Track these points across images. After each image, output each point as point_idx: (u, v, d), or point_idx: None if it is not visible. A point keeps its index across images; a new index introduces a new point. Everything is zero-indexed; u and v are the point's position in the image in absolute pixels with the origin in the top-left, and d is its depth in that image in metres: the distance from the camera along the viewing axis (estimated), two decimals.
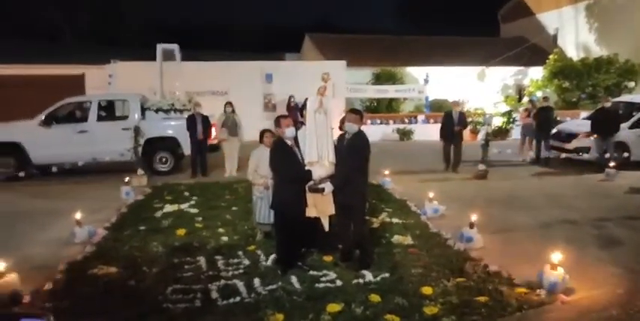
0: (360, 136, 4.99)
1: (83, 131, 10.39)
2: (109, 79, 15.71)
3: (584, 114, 15.52)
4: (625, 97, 13.63)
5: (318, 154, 5.01)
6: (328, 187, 4.90)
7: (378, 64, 19.88)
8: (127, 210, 7.57)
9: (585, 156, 11.11)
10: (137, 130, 10.19)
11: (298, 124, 5.76)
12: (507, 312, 4.11)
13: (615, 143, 10.63)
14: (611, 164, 9.96)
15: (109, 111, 11.35)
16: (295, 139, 5.13)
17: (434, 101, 19.12)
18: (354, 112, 5.10)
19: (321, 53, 20.79)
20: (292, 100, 15.53)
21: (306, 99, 15.47)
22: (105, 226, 6.59)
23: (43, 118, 10.32)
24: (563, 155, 11.62)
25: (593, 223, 6.78)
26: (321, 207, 5.07)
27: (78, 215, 6.19)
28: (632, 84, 17.55)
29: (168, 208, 7.57)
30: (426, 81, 18.44)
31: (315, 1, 60.47)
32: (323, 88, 5.17)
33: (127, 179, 8.76)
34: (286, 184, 4.94)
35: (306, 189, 4.95)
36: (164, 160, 10.80)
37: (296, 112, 14.90)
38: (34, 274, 4.89)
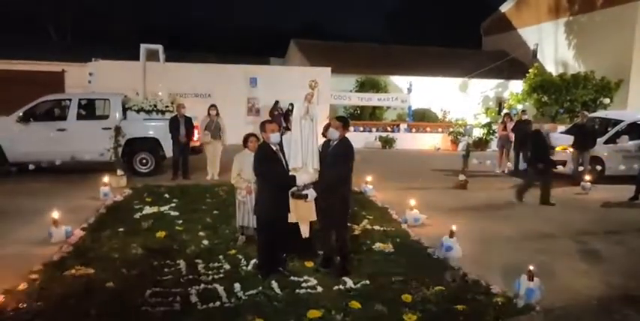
0: (345, 143, 5.03)
1: (62, 129, 10.21)
2: (89, 77, 15.47)
3: (561, 128, 15.87)
4: (600, 113, 14.02)
5: (303, 161, 5.03)
6: (312, 193, 4.91)
7: (362, 71, 20.05)
8: (105, 211, 7.45)
9: (561, 169, 11.36)
10: (118, 130, 10.02)
11: (282, 130, 5.77)
12: None
13: (590, 157, 10.91)
14: (587, 178, 10.21)
15: (89, 110, 11.17)
16: (280, 144, 5.13)
17: (417, 110, 19.36)
18: (339, 120, 5.14)
19: (306, 59, 20.86)
20: (278, 106, 15.55)
21: (290, 104, 15.50)
22: (82, 227, 6.47)
23: (21, 114, 10.11)
24: None
25: (570, 236, 6.94)
26: (302, 213, 5.08)
27: (55, 215, 6.07)
28: (607, 100, 18.05)
29: (148, 209, 7.47)
30: (410, 90, 18.65)
31: (304, 7, 60.50)
32: (310, 95, 5.19)
33: (105, 179, 8.62)
34: (270, 189, 4.93)
35: (290, 195, 4.96)
36: (145, 161, 10.65)
37: (279, 118, 14.90)
38: (8, 274, 4.78)
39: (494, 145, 16.57)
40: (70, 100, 10.62)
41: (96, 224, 6.68)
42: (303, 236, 5.12)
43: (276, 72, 18.59)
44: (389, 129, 18.10)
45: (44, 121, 10.32)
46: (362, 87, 19.39)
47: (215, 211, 7.42)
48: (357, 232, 6.52)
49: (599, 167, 11.15)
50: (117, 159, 9.96)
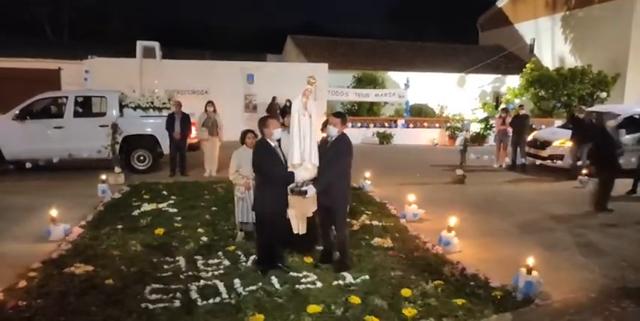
0: (344, 139, 5.02)
1: (59, 127, 10.18)
2: (85, 74, 15.40)
3: (558, 122, 15.92)
4: (598, 107, 14.03)
5: (302, 157, 5.01)
6: (311, 190, 4.90)
7: (359, 67, 20.02)
8: (103, 208, 7.44)
9: (559, 163, 11.39)
10: (115, 128, 9.99)
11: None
12: (484, 314, 4.20)
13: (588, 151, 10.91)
14: (584, 172, 10.24)
15: (86, 107, 11.14)
16: (278, 140, 5.12)
17: (414, 106, 19.35)
18: (337, 116, 5.13)
19: (303, 55, 20.80)
20: (276, 102, 15.52)
21: (287, 100, 15.45)
22: (81, 224, 6.46)
23: (17, 112, 10.07)
24: (538, 162, 11.91)
25: (568, 229, 6.95)
26: (301, 209, 5.08)
27: (53, 212, 6.06)
28: (604, 94, 18.08)
29: (147, 206, 7.46)
30: (407, 86, 18.64)
31: (301, 3, 60.35)
32: (308, 91, 5.16)
33: (103, 177, 8.60)
34: (268, 186, 4.92)
35: (288, 191, 4.95)
36: (142, 158, 10.63)
37: (277, 114, 14.88)
38: (7, 272, 4.78)
39: (491, 139, 16.60)
40: (66, 97, 10.58)
41: (94, 222, 6.68)
42: (301, 232, 5.10)
43: (272, 68, 18.54)
44: (386, 124, 18.11)
45: (41, 119, 10.28)
46: (359, 83, 19.36)
47: (214, 208, 7.42)
48: (355, 228, 6.53)
49: None
50: (114, 156, 9.94)
